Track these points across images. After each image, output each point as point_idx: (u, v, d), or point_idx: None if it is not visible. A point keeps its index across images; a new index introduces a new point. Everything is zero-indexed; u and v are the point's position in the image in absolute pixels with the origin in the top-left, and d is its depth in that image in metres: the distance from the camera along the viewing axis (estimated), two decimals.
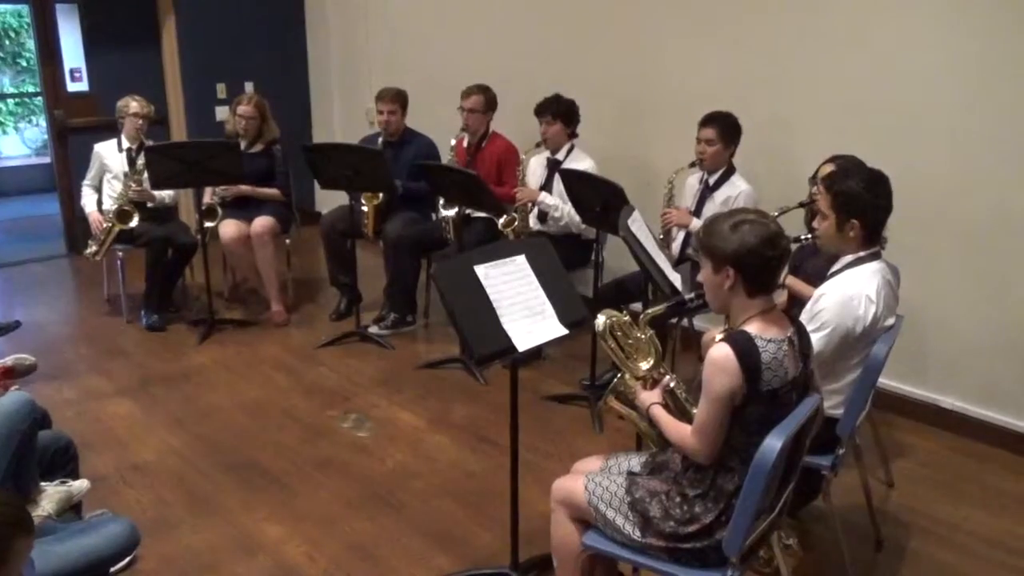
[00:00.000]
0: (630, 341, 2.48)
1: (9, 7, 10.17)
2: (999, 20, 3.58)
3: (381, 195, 5.13)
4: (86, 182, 5.45)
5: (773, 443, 2.05)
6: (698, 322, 4.65)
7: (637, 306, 4.07)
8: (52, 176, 7.28)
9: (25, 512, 1.92)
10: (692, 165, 4.30)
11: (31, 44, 8.82)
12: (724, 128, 4.17)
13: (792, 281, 3.42)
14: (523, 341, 2.60)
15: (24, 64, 10.65)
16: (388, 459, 3.79)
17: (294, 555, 3.10)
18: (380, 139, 5.31)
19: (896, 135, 3.92)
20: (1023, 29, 3.52)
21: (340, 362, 4.82)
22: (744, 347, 2.12)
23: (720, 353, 2.13)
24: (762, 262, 2.15)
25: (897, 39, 3.89)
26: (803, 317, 2.73)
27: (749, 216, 2.19)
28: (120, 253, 5.31)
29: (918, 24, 3.82)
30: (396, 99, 5.26)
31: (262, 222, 5.30)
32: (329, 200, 6.54)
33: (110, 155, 5.36)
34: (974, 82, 3.68)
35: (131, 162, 5.23)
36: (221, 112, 6.97)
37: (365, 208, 5.14)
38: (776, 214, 3.46)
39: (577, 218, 4.48)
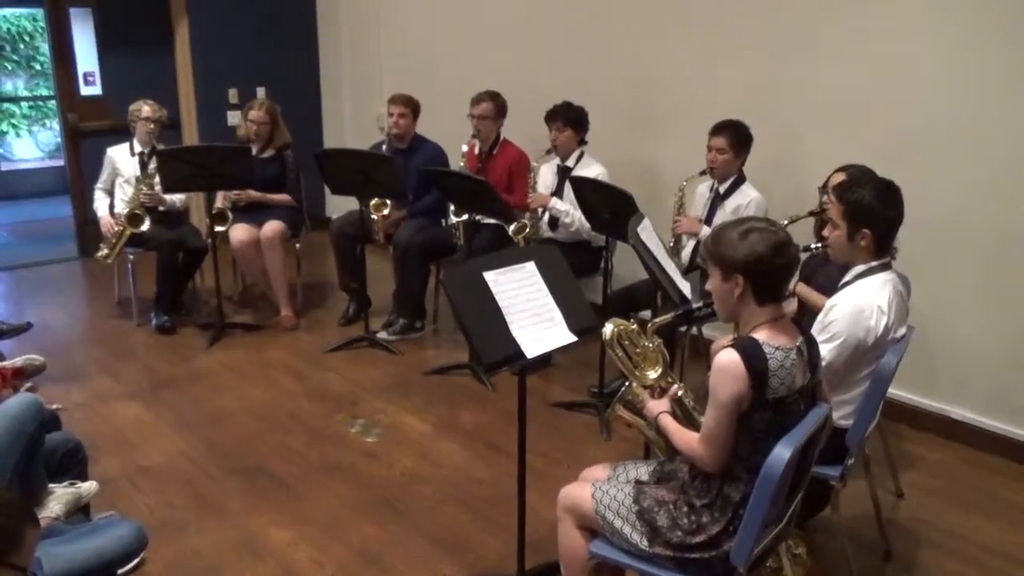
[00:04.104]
0: (637, 350, 2.48)
1: (24, 11, 10.26)
2: (1012, 31, 3.57)
3: (389, 205, 5.13)
4: (98, 186, 5.48)
5: (782, 453, 2.04)
6: (707, 330, 4.64)
7: (647, 314, 4.07)
8: (65, 179, 7.33)
9: (31, 506, 1.94)
10: (703, 173, 4.29)
11: (45, 48, 8.90)
12: (735, 137, 4.16)
13: (802, 288, 3.41)
14: (532, 348, 2.60)
15: (38, 68, 10.74)
16: (395, 465, 3.79)
17: (300, 560, 3.10)
18: (384, 146, 5.32)
19: (906, 145, 3.90)
20: None
21: (348, 367, 4.83)
22: (752, 353, 2.11)
23: (727, 359, 2.12)
24: (771, 270, 2.15)
25: (909, 49, 3.88)
26: (815, 328, 2.72)
27: (758, 224, 2.18)
28: (131, 256, 5.33)
29: (930, 34, 3.81)
30: (408, 104, 5.28)
31: (272, 226, 5.31)
32: (339, 205, 6.55)
33: (122, 159, 5.39)
34: (985, 93, 3.67)
35: (143, 166, 5.26)
36: (233, 117, 7.01)
37: (375, 217, 5.15)
38: (786, 223, 3.46)
39: (588, 224, 4.48)
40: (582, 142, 4.84)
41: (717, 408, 2.14)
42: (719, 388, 2.13)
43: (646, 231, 3.20)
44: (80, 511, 2.89)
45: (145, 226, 5.13)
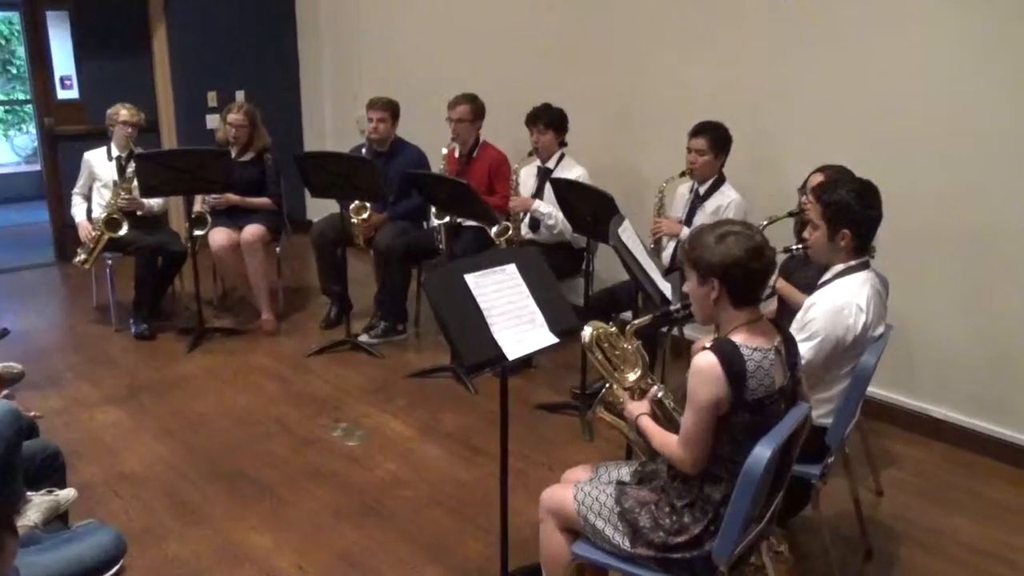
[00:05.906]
0: (617, 352, 2.48)
1: (0, 14, 10.16)
2: (990, 36, 3.60)
3: (369, 208, 5.12)
4: (75, 191, 5.44)
5: (762, 452, 2.05)
6: (688, 331, 4.66)
7: (628, 315, 4.08)
8: (41, 184, 7.26)
9: (9, 514, 1.93)
10: (683, 175, 4.31)
11: (22, 51, 8.82)
12: (715, 138, 4.18)
13: (783, 285, 3.42)
14: (513, 350, 2.59)
15: (14, 71, 10.65)
16: (378, 468, 3.77)
17: (282, 565, 3.08)
18: (363, 150, 5.31)
19: (885, 146, 3.93)
20: (1013, 45, 3.54)
21: (330, 371, 4.81)
22: (729, 355, 2.13)
23: (705, 361, 2.13)
24: (748, 274, 2.16)
25: (887, 52, 3.91)
26: (794, 327, 2.73)
27: (734, 228, 2.19)
28: (109, 261, 5.28)
29: (908, 38, 3.84)
30: (387, 108, 5.26)
31: (252, 230, 5.29)
32: (320, 208, 6.53)
33: (100, 163, 5.35)
34: (963, 94, 3.70)
35: (121, 170, 5.22)
36: (212, 120, 6.97)
37: (355, 220, 5.13)
38: (764, 224, 3.49)
39: (570, 226, 4.49)
40: (562, 144, 4.85)
41: (695, 410, 2.15)
42: (697, 390, 2.14)
43: (627, 232, 3.21)
44: (59, 519, 2.86)
45: (123, 231, 5.09)
